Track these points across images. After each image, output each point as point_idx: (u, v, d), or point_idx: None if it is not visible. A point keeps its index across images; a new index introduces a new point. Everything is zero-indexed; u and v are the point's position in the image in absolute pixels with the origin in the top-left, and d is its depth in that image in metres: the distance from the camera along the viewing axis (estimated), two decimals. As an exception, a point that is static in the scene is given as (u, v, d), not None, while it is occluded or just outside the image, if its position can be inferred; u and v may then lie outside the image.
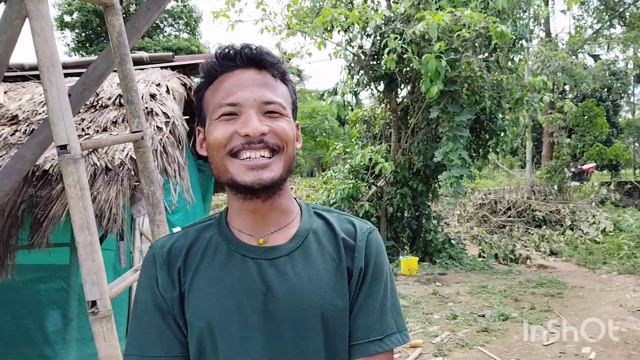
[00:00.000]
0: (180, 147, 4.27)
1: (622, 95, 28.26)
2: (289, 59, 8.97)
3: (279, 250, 1.04)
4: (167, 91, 4.54)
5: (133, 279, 2.18)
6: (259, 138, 0.97)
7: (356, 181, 9.70)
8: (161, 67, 5.08)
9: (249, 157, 0.98)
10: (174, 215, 5.72)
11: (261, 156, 0.98)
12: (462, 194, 8.66)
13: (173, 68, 5.17)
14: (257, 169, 0.97)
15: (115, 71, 3.32)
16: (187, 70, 5.35)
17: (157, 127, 4.09)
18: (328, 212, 1.14)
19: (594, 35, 22.38)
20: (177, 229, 1.13)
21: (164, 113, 4.24)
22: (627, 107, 37.01)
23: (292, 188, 17.82)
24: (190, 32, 23.43)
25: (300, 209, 1.13)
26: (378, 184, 9.92)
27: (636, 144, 33.48)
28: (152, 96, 4.35)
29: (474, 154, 9.58)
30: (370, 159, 9.23)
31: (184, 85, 4.93)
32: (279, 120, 1.01)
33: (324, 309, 1.01)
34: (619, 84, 25.80)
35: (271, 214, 1.06)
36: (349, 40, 8.84)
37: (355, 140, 11.23)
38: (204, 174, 6.83)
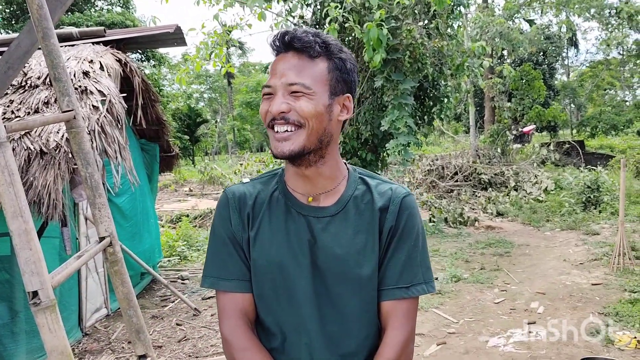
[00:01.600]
0: (120, 126, 4.09)
1: (557, 58, 29.19)
2: (229, 31, 8.72)
3: (325, 211, 1.26)
4: (101, 68, 4.33)
5: (77, 265, 2.07)
6: (280, 115, 1.16)
7: (305, 153, 9.64)
8: (93, 43, 4.83)
9: (277, 131, 1.18)
10: (119, 198, 5.53)
11: (285, 130, 1.17)
12: (410, 162, 8.77)
13: (106, 43, 4.93)
14: (281, 141, 1.17)
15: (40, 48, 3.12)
16: (122, 45, 5.11)
17: (93, 106, 3.91)
18: (371, 178, 1.33)
19: (529, 0, 22.91)
20: (245, 179, 1.39)
21: (99, 91, 4.04)
22: (562, 69, 38.42)
23: (241, 164, 17.61)
24: (124, 6, 22.39)
25: (349, 174, 1.32)
26: (327, 156, 9.89)
27: (572, 105, 34.88)
28: (85, 74, 4.14)
29: (419, 121, 9.67)
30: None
31: (119, 61, 4.70)
32: (300, 99, 1.17)
33: (355, 262, 1.22)
34: (553, 48, 26.59)
35: (317, 179, 1.26)
36: (289, 10, 8.67)
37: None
38: (148, 154, 6.62)
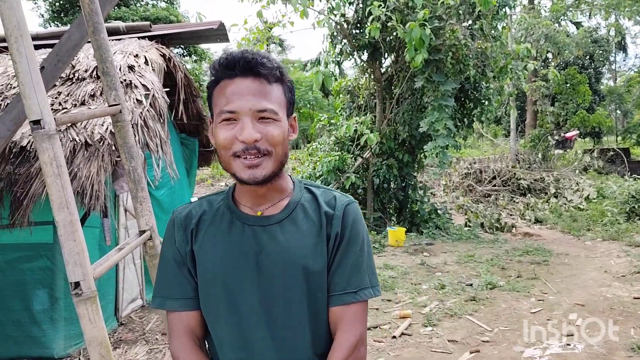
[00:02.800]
0: (162, 120, 4.16)
1: (604, 62, 28.34)
2: (270, 28, 8.77)
3: (271, 219, 1.28)
4: (146, 62, 4.41)
5: (117, 258, 2.10)
6: (252, 144, 1.16)
7: (342, 153, 9.63)
8: (139, 38, 4.92)
9: (246, 158, 1.18)
10: (158, 191, 5.63)
11: (255, 157, 1.18)
12: (447, 164, 8.65)
13: (151, 38, 5.01)
14: (252, 167, 1.18)
15: (90, 42, 3.18)
16: (166, 40, 5.19)
17: (137, 100, 3.98)
18: (316, 188, 1.36)
19: (576, 2, 22.26)
20: (194, 199, 1.42)
21: (143, 85, 4.11)
22: (609, 74, 37.24)
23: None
24: (169, 1, 22.79)
25: (294, 185, 1.35)
26: (364, 156, 9.86)
27: (618, 111, 33.76)
28: (130, 68, 4.22)
29: (459, 124, 9.54)
30: (356, 130, 9.16)
31: (163, 56, 4.78)
32: (270, 125, 1.19)
33: (305, 265, 1.23)
34: (600, 52, 25.83)
35: (268, 193, 1.28)
36: (331, 8, 8.66)
37: (340, 111, 11.12)
38: (188, 148, 6.71)
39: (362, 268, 1.28)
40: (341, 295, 1.25)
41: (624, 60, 37.87)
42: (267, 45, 9.64)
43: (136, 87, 4.16)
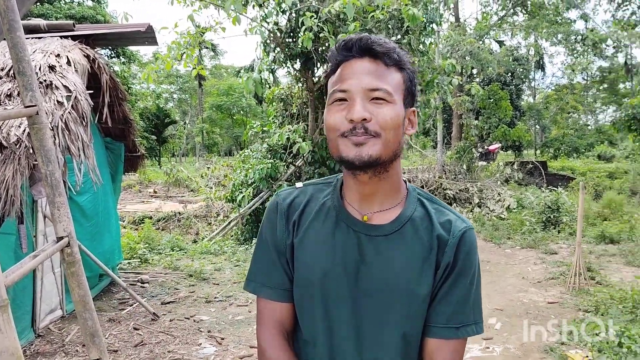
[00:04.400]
0: (85, 123, 4.00)
1: (524, 80, 29.96)
2: (203, 33, 8.66)
3: (379, 230, 1.17)
4: (68, 63, 4.24)
5: (32, 265, 2.01)
6: (361, 123, 1.07)
7: (274, 160, 9.63)
8: (61, 37, 4.72)
9: (354, 136, 1.08)
10: (80, 197, 5.40)
11: (363, 135, 1.08)
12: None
13: (75, 38, 4.82)
14: (358, 145, 1.08)
15: (5, 39, 3.03)
16: (91, 40, 5.01)
17: (58, 101, 3.82)
18: (430, 202, 1.24)
19: (499, 21, 23.52)
20: (299, 184, 1.31)
21: (65, 86, 3.95)
22: (528, 91, 39.44)
23: (208, 168, 17.45)
24: (96, 0, 22.00)
25: (408, 194, 1.24)
26: (296, 164, 9.91)
27: (537, 126, 35.80)
28: (51, 68, 4.04)
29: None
30: (288, 138, 9.19)
31: (87, 57, 4.61)
32: (383, 106, 1.09)
33: (407, 290, 1.14)
34: (521, 69, 27.30)
35: (376, 195, 1.18)
36: (264, 16, 8.67)
37: (273, 119, 11.12)
38: (113, 153, 6.49)
39: (468, 303, 1.17)
40: (441, 329, 1.16)
41: (542, 79, 40.23)
42: (199, 50, 9.50)
43: (57, 88, 3.99)
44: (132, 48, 21.13)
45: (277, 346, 1.22)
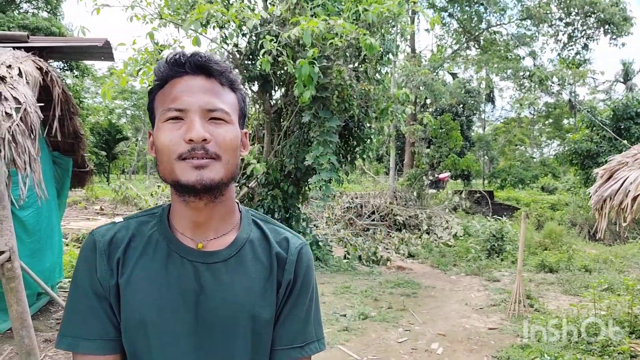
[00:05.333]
0: (33, 136, 3.91)
1: (475, 112, 31.05)
2: (161, 50, 8.63)
3: (216, 256, 1.10)
4: (20, 74, 4.15)
5: (-32, 280, 1.96)
6: (201, 144, 1.00)
7: (227, 181, 9.59)
8: (14, 48, 4.62)
9: (193, 159, 1.00)
10: (24, 211, 5.24)
11: (204, 157, 1.01)
12: (330, 197, 8.96)
13: (27, 50, 4.73)
14: (199, 169, 1.00)
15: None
16: (45, 53, 4.93)
17: (6, 113, 3.72)
18: (265, 223, 1.20)
19: (453, 55, 24.42)
20: (118, 219, 1.16)
21: (15, 98, 3.86)
22: (479, 122, 40.86)
23: (159, 186, 17.18)
24: (51, 12, 21.49)
25: (241, 216, 1.18)
26: (249, 185, 9.90)
27: (485, 156, 37.04)
28: (1, 79, 3.95)
29: (342, 159, 9.94)
30: (242, 159, 9.19)
31: (40, 69, 4.53)
32: (222, 126, 1.04)
33: (252, 314, 1.08)
34: (472, 101, 28.32)
35: (211, 221, 1.11)
36: (224, 37, 8.73)
37: (228, 139, 11.09)
38: (60, 167, 6.33)
39: (310, 320, 1.16)
40: (287, 350, 1.13)
41: (492, 111, 41.79)
42: (156, 68, 9.38)
43: (6, 99, 3.89)
44: (87, 62, 20.72)
45: None
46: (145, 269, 1.08)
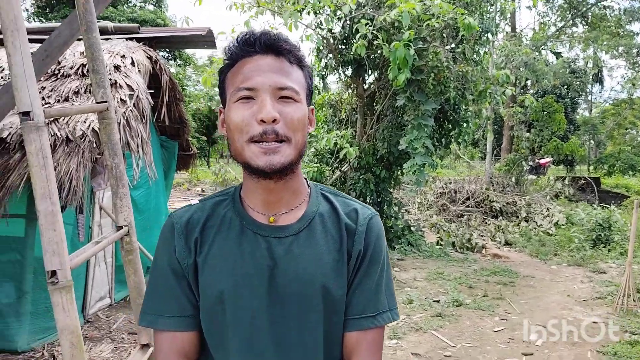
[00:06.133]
0: (144, 121, 4.21)
1: (581, 93, 29.09)
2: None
3: (287, 230, 1.12)
4: (132, 63, 4.46)
5: (94, 250, 2.16)
6: (271, 126, 1.02)
7: (320, 165, 9.74)
8: (126, 39, 4.97)
9: (263, 143, 1.03)
10: (135, 191, 5.65)
11: (274, 141, 1.04)
12: (424, 182, 8.80)
13: (139, 40, 5.06)
14: (269, 153, 1.03)
15: (79, 39, 3.24)
16: (153, 43, 5.25)
17: (121, 99, 4.03)
18: (334, 196, 1.22)
19: (557, 32, 22.94)
20: (194, 201, 1.21)
21: (128, 85, 4.17)
22: (584, 105, 38.23)
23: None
24: (156, 4, 22.77)
25: (310, 190, 1.20)
26: (342, 169, 9.98)
27: (591, 141, 34.64)
28: (117, 68, 4.27)
29: (436, 143, 9.72)
30: (336, 144, 9.26)
31: (150, 58, 4.84)
32: (291, 105, 1.06)
33: (324, 286, 1.09)
34: (578, 82, 26.51)
35: (282, 195, 1.13)
36: (319, 23, 8.80)
37: (321, 124, 11.24)
38: (167, 151, 6.74)
39: (381, 289, 1.16)
40: (359, 320, 1.13)
41: (599, 92, 38.87)
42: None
43: (121, 87, 4.21)
44: (188, 51, 21.80)
45: None
46: (221, 247, 1.12)
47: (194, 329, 1.13)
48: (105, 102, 2.27)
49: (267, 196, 1.13)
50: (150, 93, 4.55)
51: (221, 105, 1.16)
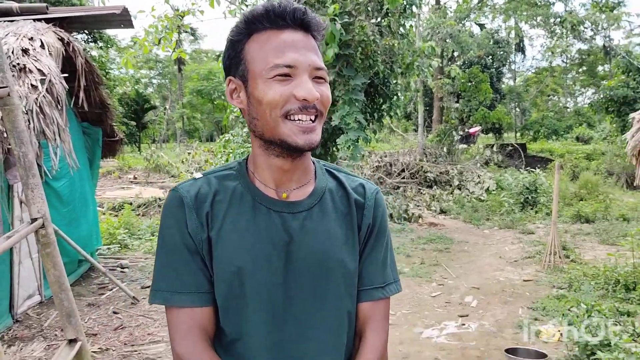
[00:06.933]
0: (60, 107, 3.96)
1: (504, 63, 30.12)
2: (182, 17, 8.57)
3: (300, 205, 1.12)
4: (42, 46, 4.18)
5: (5, 246, 2.01)
6: (313, 103, 1.02)
7: (254, 145, 9.61)
8: (34, 20, 4.64)
9: (301, 120, 1.02)
10: (57, 182, 5.36)
11: (310, 120, 1.03)
12: (359, 157, 8.88)
13: (48, 21, 4.75)
14: (307, 132, 1.03)
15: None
16: (65, 24, 4.94)
17: (32, 85, 3.77)
18: (337, 171, 1.22)
19: (480, 4, 23.58)
20: (198, 175, 1.18)
21: (39, 70, 3.91)
22: (509, 74, 39.68)
23: (189, 153, 17.36)
24: (71, -17, 21.54)
25: (315, 167, 1.20)
26: (276, 148, 9.90)
27: (517, 109, 36.12)
28: (25, 51, 3.98)
29: (369, 118, 9.80)
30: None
31: (62, 40, 4.55)
32: (323, 85, 1.06)
33: (340, 259, 1.11)
34: (501, 52, 27.43)
35: (295, 171, 1.13)
36: (242, -1, 8.60)
37: (253, 103, 11.06)
38: (90, 138, 6.43)
39: (387, 262, 1.20)
40: (370, 291, 1.16)
41: (522, 61, 40.53)
42: (178, 34, 9.37)
43: (31, 71, 3.94)
44: (110, 32, 20.77)
45: (204, 355, 1.08)
46: (234, 222, 1.10)
47: (211, 304, 1.11)
48: (6, 87, 2.10)
49: (282, 174, 1.12)
50: (64, 77, 4.29)
51: (231, 76, 1.11)
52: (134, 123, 30.30)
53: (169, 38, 8.30)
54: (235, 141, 10.39)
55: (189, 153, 17.89)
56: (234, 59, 1.09)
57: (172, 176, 17.14)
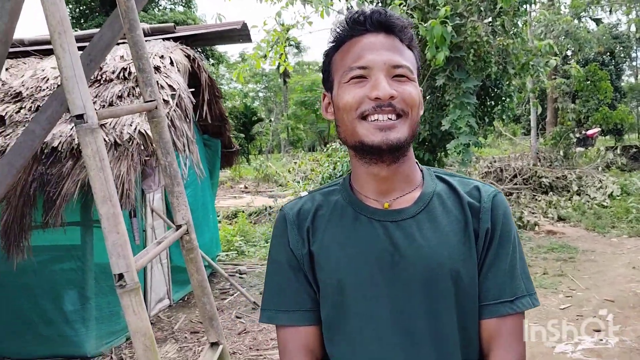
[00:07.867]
0: (188, 120, 4.20)
1: (625, 59, 27.93)
2: (288, 30, 8.78)
3: (404, 213, 1.06)
4: (171, 63, 4.46)
5: (157, 250, 2.12)
6: (388, 101, 0.98)
7: (360, 153, 9.62)
8: (163, 39, 4.98)
9: (377, 119, 0.99)
10: (185, 190, 5.68)
11: (388, 118, 0.99)
12: (469, 162, 8.57)
13: (175, 40, 5.07)
14: (385, 130, 0.98)
15: (118, 43, 3.22)
16: (189, 41, 5.24)
17: (164, 100, 4.02)
18: (451, 177, 1.15)
19: (597, -3, 21.97)
20: (303, 193, 1.19)
21: (170, 86, 4.16)
22: (629, 71, 36.71)
23: (295, 162, 17.76)
24: (186, 5, 23.02)
25: (423, 175, 1.14)
26: (384, 155, 9.84)
27: (639, 108, 33.26)
28: (156, 68, 4.27)
29: (479, 122, 9.46)
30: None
31: (188, 57, 4.83)
32: (406, 84, 1.02)
33: (452, 269, 1.02)
34: (621, 48, 25.46)
35: (395, 180, 1.07)
36: (350, 7, 8.65)
37: (360, 111, 11.10)
38: (210, 149, 6.76)
39: (516, 272, 1.06)
40: (496, 306, 1.04)
41: (645, 57, 37.23)
42: (285, 47, 9.66)
43: (162, 87, 4.21)
44: (220, 49, 21.96)
45: None
46: (335, 234, 1.07)
47: (315, 323, 1.09)
48: (154, 100, 2.23)
49: (381, 182, 1.07)
50: (190, 92, 4.54)
51: (325, 91, 1.12)
52: (242, 135, 31.64)
53: (280, 51, 8.54)
54: (342, 149, 10.47)
55: (295, 162, 18.31)
56: (324, 72, 1.11)
57: (279, 185, 17.64)
